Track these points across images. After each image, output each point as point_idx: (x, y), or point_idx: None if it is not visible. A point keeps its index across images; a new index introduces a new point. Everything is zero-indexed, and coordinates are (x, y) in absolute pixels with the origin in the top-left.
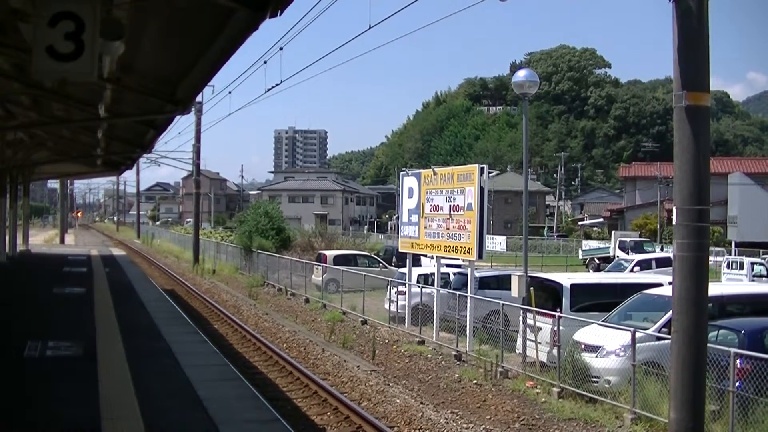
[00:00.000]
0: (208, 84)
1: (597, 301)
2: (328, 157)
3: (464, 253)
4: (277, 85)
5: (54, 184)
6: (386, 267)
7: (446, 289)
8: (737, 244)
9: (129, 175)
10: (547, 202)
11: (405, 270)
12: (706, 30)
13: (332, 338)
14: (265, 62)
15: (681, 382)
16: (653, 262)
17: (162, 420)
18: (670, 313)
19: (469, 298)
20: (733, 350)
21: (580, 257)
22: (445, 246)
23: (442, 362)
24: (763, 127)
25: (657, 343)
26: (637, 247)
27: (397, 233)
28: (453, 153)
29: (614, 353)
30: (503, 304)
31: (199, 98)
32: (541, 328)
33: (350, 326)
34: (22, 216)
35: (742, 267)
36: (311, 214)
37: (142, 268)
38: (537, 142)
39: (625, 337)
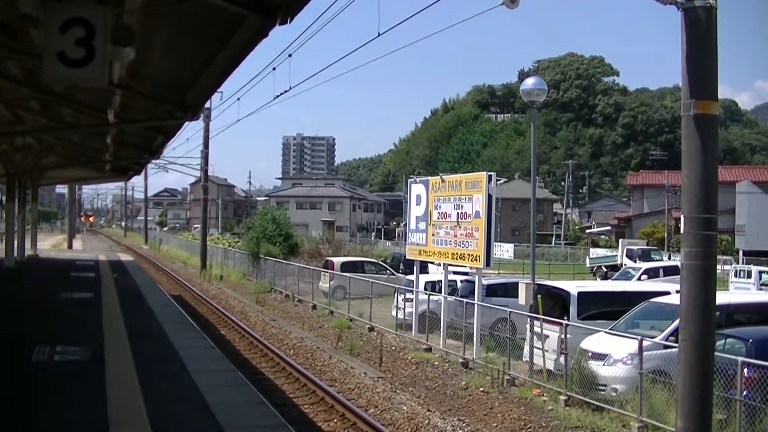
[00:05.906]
0: (217, 90)
1: (604, 309)
2: (335, 164)
3: (472, 260)
4: (285, 91)
5: (62, 189)
6: (393, 274)
7: (453, 297)
8: (745, 253)
9: (137, 181)
10: (554, 210)
11: (412, 277)
12: (715, 38)
13: (339, 345)
14: (274, 69)
15: (688, 391)
16: (661, 271)
17: (170, 425)
18: (677, 321)
19: (476, 305)
20: (740, 359)
21: (588, 265)
22: (453, 253)
23: (449, 369)
24: None
25: (664, 351)
26: (645, 256)
27: (405, 240)
28: (461, 160)
29: (621, 361)
30: (510, 312)
31: (207, 104)
32: (548, 336)
33: (357, 333)
34: (30, 221)
35: (749, 276)
36: (319, 220)
37: (150, 274)
38: (545, 149)
39: (632, 345)
